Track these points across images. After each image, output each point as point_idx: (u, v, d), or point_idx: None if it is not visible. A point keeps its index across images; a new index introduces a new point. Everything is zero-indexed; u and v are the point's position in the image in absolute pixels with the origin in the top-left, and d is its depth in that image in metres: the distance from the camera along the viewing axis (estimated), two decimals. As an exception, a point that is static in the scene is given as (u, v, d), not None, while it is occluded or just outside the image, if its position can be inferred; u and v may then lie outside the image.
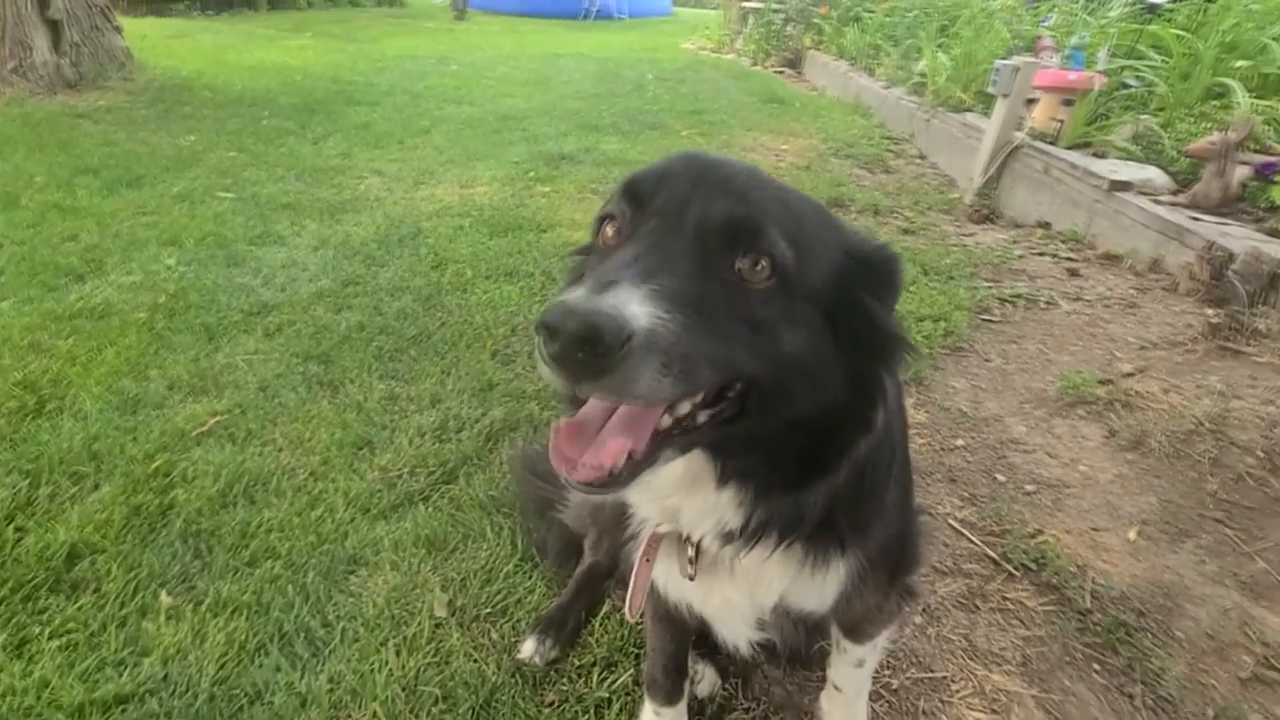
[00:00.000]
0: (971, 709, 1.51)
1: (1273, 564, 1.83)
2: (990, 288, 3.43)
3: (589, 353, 0.66)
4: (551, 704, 1.47)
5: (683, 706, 1.40)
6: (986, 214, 4.58)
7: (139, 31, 8.57)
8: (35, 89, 6.04)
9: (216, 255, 3.39)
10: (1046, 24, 5.93)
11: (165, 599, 1.66)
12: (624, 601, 1.66)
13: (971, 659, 1.62)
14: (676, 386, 0.72)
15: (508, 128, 6.13)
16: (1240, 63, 4.24)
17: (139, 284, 3.06)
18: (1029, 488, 2.14)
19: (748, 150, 5.79)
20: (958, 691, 1.55)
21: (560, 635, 1.58)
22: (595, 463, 0.76)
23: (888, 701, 1.53)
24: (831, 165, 5.50)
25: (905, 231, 4.23)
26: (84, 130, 5.21)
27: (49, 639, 1.54)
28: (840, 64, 8.93)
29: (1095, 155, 4.25)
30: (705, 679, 1.51)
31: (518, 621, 1.65)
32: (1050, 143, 4.49)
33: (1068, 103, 4.51)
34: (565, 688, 1.51)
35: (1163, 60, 4.61)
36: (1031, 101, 4.67)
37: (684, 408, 0.81)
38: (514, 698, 1.47)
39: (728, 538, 0.95)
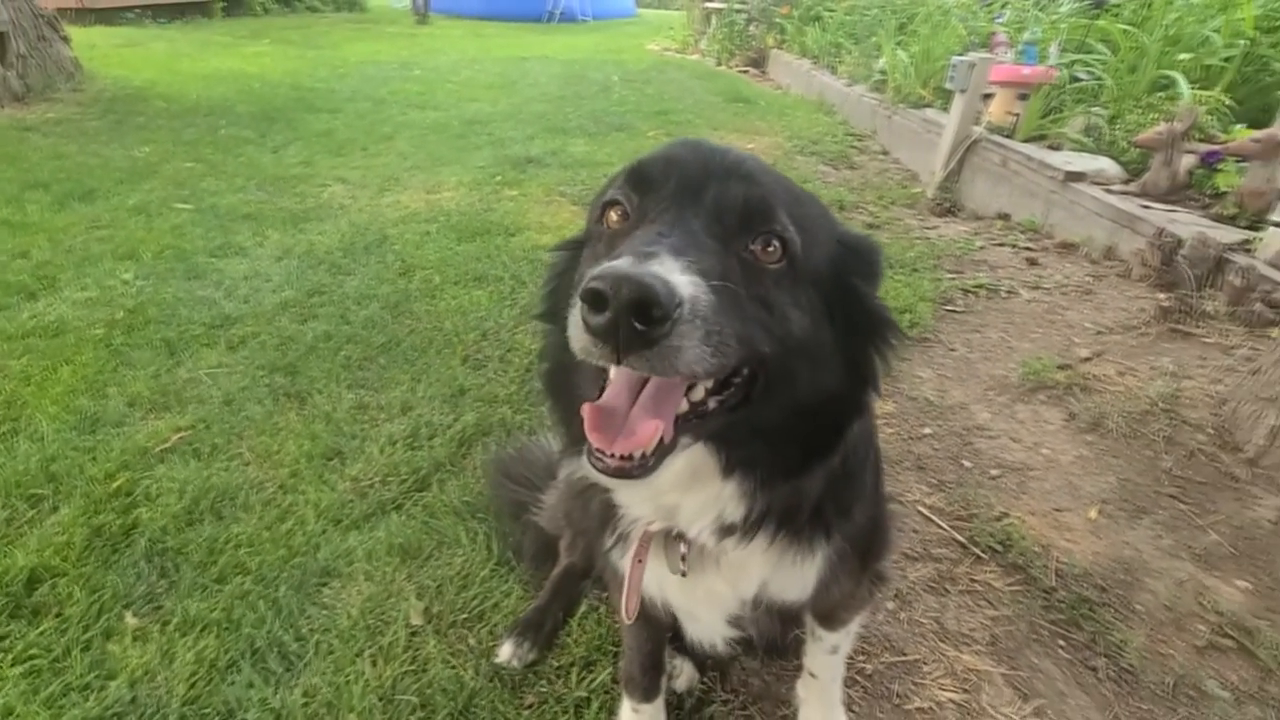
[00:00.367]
0: (943, 689, 1.55)
1: (1224, 536, 1.90)
2: (953, 279, 3.51)
3: (642, 320, 0.65)
4: (531, 706, 1.47)
5: (661, 702, 1.41)
6: (948, 207, 4.68)
7: (88, 41, 8.33)
8: (-20, 102, 5.84)
9: (176, 268, 3.32)
10: (1000, 20, 6.08)
11: (131, 620, 1.62)
12: (602, 601, 1.68)
13: (942, 641, 1.66)
14: (715, 359, 0.71)
15: (473, 132, 6.10)
16: (1183, 55, 4.39)
17: (95, 300, 2.98)
18: (994, 472, 2.20)
19: (714, 149, 5.82)
20: (930, 673, 1.58)
21: (538, 637, 1.58)
22: (628, 448, 0.75)
23: (862, 686, 1.56)
24: (797, 162, 5.57)
25: (870, 226, 4.30)
26: (32, 144, 5.05)
27: (11, 665, 1.50)
28: (803, 63, 9.04)
29: (1050, 147, 4.37)
30: (683, 674, 1.52)
31: (495, 626, 1.64)
32: (1007, 136, 4.61)
33: (1023, 97, 4.63)
34: (544, 689, 1.51)
35: (1111, 54, 4.76)
36: (988, 96, 4.78)
37: (698, 393, 0.81)
38: (493, 701, 1.47)
39: (725, 531, 0.95)
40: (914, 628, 1.69)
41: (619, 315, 0.65)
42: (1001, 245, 3.95)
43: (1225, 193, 3.46)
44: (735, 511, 0.92)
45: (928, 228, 4.35)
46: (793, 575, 1.06)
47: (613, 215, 0.88)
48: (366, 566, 1.78)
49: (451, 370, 2.60)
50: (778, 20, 10.41)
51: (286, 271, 3.33)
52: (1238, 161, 3.46)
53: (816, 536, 1.03)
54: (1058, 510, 2.04)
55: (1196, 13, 4.65)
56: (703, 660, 1.56)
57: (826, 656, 1.37)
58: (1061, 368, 2.65)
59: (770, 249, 0.81)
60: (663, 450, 0.77)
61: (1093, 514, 2.01)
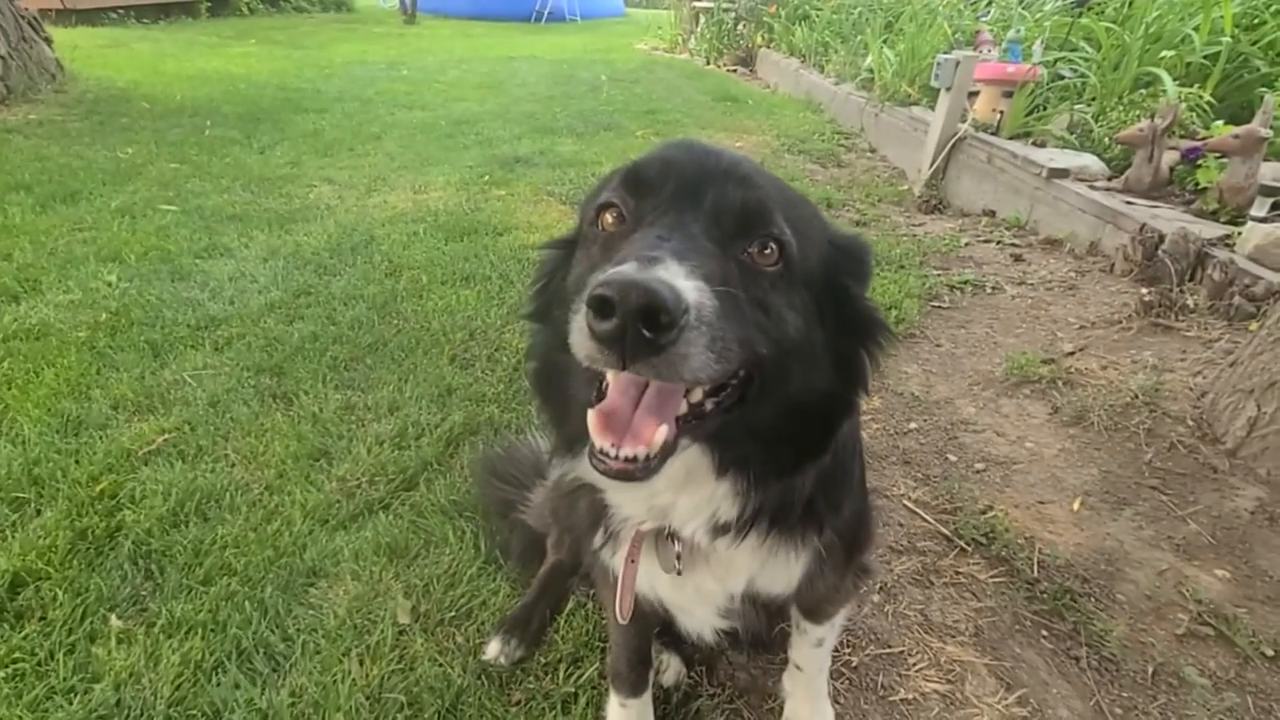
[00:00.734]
0: (928, 680, 1.56)
1: (1204, 526, 1.93)
2: (939, 275, 3.53)
3: (649, 327, 0.64)
4: (518, 703, 1.48)
5: (648, 697, 1.42)
6: (935, 204, 4.71)
7: (70, 42, 8.25)
8: (-40, 104, 5.78)
9: (160, 270, 3.29)
10: (985, 19, 6.13)
11: (115, 623, 1.61)
12: (589, 598, 1.69)
13: (927, 632, 1.67)
14: (719, 365, 0.71)
15: (461, 132, 6.08)
16: (1165, 53, 4.44)
17: (78, 302, 2.96)
18: (979, 466, 2.22)
19: (702, 148, 5.83)
20: (914, 664, 1.60)
21: (525, 634, 1.58)
22: (635, 449, 0.75)
23: (848, 678, 1.57)
24: (785, 161, 5.59)
25: (858, 224, 4.33)
26: (14, 145, 5.00)
27: (-8, 670, 1.48)
28: (791, 61, 9.07)
29: (1035, 144, 4.41)
30: (670, 668, 1.53)
31: (483, 623, 1.64)
32: (992, 133, 4.64)
33: (1007, 94, 4.67)
34: (532, 685, 1.51)
35: (1094, 52, 4.80)
36: (973, 94, 4.82)
37: (696, 394, 0.81)
38: (480, 699, 1.47)
39: (719, 530, 0.95)
40: (899, 620, 1.71)
41: (626, 322, 0.64)
42: (987, 242, 3.98)
43: (1206, 188, 3.50)
44: (729, 511, 0.93)
45: (914, 225, 4.37)
46: (780, 570, 1.07)
47: (608, 218, 0.87)
48: (354, 566, 1.78)
49: (439, 370, 2.60)
50: (766, 19, 10.44)
51: (273, 272, 3.32)
52: (1218, 157, 3.50)
53: (808, 532, 1.04)
54: (1041, 503, 2.06)
55: (1178, 10, 4.70)
56: (690, 654, 1.57)
57: (812, 649, 1.38)
58: (1046, 362, 2.68)
59: (767, 252, 0.82)
60: (665, 451, 0.77)
61: (1075, 506, 2.04)
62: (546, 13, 17.30)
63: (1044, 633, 1.67)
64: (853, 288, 0.92)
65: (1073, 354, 2.74)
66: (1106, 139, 4.19)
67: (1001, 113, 4.69)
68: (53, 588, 1.67)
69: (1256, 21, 4.58)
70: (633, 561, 1.05)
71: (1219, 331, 2.66)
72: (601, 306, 0.65)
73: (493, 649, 1.55)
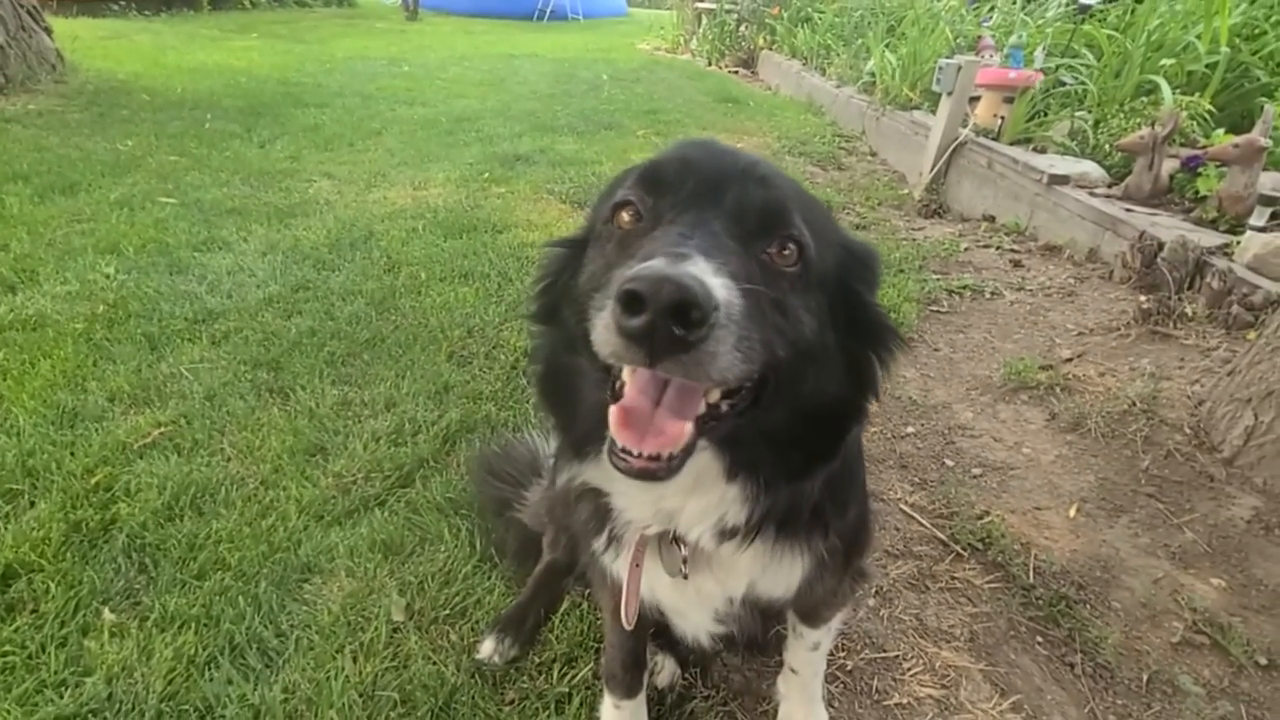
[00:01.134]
0: (922, 685, 1.56)
1: (1200, 534, 1.93)
2: (939, 279, 3.53)
3: (680, 323, 0.63)
4: (512, 702, 1.47)
5: (642, 698, 1.41)
6: (935, 208, 4.72)
7: (71, 32, 8.21)
8: (-41, 93, 5.75)
9: (158, 262, 3.28)
10: (987, 24, 6.13)
11: (108, 616, 1.60)
12: (584, 598, 1.68)
13: (922, 637, 1.67)
14: (743, 366, 0.70)
15: (462, 129, 6.07)
16: (1166, 61, 4.45)
17: (75, 294, 2.94)
18: (976, 471, 2.22)
19: (703, 149, 5.83)
20: (909, 669, 1.59)
21: (520, 633, 1.58)
22: (658, 447, 0.74)
23: (843, 682, 1.57)
24: (786, 163, 5.59)
25: (858, 227, 4.33)
26: (13, 135, 4.98)
27: (-17, 663, 1.47)
28: (793, 64, 9.08)
29: (1035, 150, 4.42)
30: (665, 669, 1.53)
31: (477, 622, 1.64)
32: (993, 139, 4.65)
33: (1008, 100, 4.67)
34: (525, 685, 1.51)
35: (1095, 59, 4.81)
36: (974, 99, 4.82)
37: (713, 396, 0.80)
38: (474, 698, 1.46)
39: (727, 534, 0.94)
40: (894, 624, 1.71)
41: (657, 318, 0.63)
42: (986, 247, 3.99)
43: (1205, 197, 3.51)
44: (738, 515, 0.92)
45: (914, 229, 4.38)
46: (782, 573, 1.06)
47: (624, 216, 0.86)
48: (348, 563, 1.77)
49: (436, 366, 2.59)
50: (768, 21, 10.45)
51: (271, 267, 3.31)
52: (1218, 166, 3.51)
53: (813, 536, 1.03)
54: (1038, 509, 2.06)
55: (1179, 19, 4.72)
56: (684, 656, 1.56)
57: (808, 653, 1.37)
58: (1044, 368, 2.68)
59: (786, 253, 0.81)
60: (686, 451, 0.76)
61: (1072, 513, 2.04)
62: (549, 11, 17.29)
63: (1039, 639, 1.67)
64: (864, 293, 0.92)
65: (1071, 360, 2.74)
66: (1107, 146, 4.21)
67: (1002, 118, 4.70)
68: (46, 580, 1.66)
69: (1257, 32, 4.60)
70: (637, 565, 1.04)
71: (1217, 340, 2.66)
72: (631, 302, 0.64)
73: (487, 648, 1.54)
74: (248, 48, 9.57)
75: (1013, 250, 3.91)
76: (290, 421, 2.27)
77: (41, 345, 2.56)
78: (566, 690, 1.49)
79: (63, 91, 6.28)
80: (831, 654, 1.58)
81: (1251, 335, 2.62)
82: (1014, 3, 6.61)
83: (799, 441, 0.89)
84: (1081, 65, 4.83)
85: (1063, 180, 3.94)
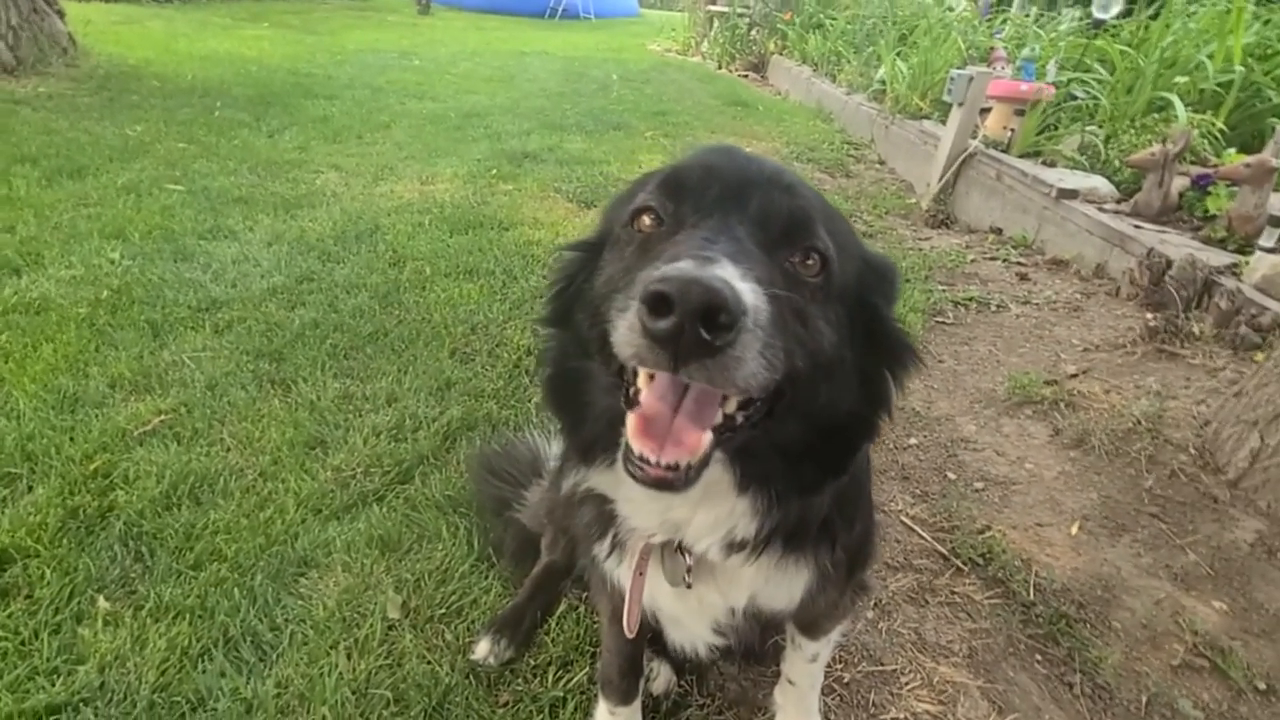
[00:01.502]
0: (920, 700, 1.55)
1: (1203, 556, 1.92)
2: (944, 290, 3.52)
3: (708, 327, 0.62)
4: (506, 704, 1.46)
5: (637, 705, 1.40)
6: (942, 219, 4.70)
7: (83, 16, 8.21)
8: (-31, 73, 5.75)
9: (164, 249, 3.27)
10: (1000, 36, 6.13)
11: (103, 604, 1.59)
12: (581, 601, 1.67)
13: (920, 652, 1.66)
14: (767, 374, 0.68)
15: (470, 125, 6.07)
16: (1179, 78, 4.44)
17: (80, 278, 2.94)
18: (978, 485, 2.21)
19: (712, 152, 5.82)
20: (907, 684, 1.58)
21: (515, 635, 1.56)
22: (677, 456, 0.73)
23: (839, 695, 1.56)
24: (793, 169, 5.56)
25: (864, 235, 4.31)
26: (22, 118, 4.98)
27: (-25, 648, 1.46)
28: (803, 69, 9.07)
29: (1045, 164, 4.40)
30: (661, 676, 1.52)
31: (473, 622, 1.63)
32: (1003, 151, 4.64)
33: (1019, 112, 4.66)
34: (520, 688, 1.50)
35: (1108, 74, 4.80)
36: (985, 110, 4.81)
37: (730, 405, 0.79)
38: (468, 699, 1.45)
39: (733, 547, 0.93)
40: (893, 638, 1.69)
41: (685, 320, 0.61)
42: (993, 259, 3.98)
43: (1215, 216, 3.50)
44: (747, 528, 0.91)
45: (921, 239, 4.37)
46: (785, 586, 1.05)
47: (645, 220, 0.84)
48: (345, 558, 1.76)
49: (439, 363, 2.58)
50: (780, 26, 10.44)
51: (276, 257, 3.30)
52: (1229, 186, 3.50)
53: (820, 549, 1.02)
54: (1039, 525, 2.05)
55: (1193, 37, 4.70)
56: (680, 663, 1.55)
57: (806, 665, 1.36)
58: (1048, 383, 2.67)
59: (810, 263, 0.80)
60: (704, 461, 0.75)
61: (1074, 530, 2.02)
62: (561, 9, 17.29)
63: (1038, 657, 1.66)
64: (883, 307, 0.91)
65: (1076, 376, 2.73)
66: (1117, 161, 4.19)
67: (1013, 130, 4.68)
68: (41, 566, 1.65)
69: (1270, 52, 4.59)
70: (641, 574, 1.03)
71: (1224, 360, 2.65)
72: (658, 303, 0.62)
73: (482, 649, 1.53)
74: (259, 37, 9.57)
75: (1019, 263, 3.90)
76: (291, 413, 2.26)
77: (44, 329, 2.55)
78: (561, 694, 1.48)
79: (74, 75, 6.28)
80: (829, 666, 1.57)
81: (1259, 357, 2.61)
82: (1027, 15, 6.60)
83: (811, 455, 0.88)
84: (1094, 80, 4.82)
85: (1071, 195, 3.93)
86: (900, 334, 0.91)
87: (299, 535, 1.82)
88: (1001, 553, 1.91)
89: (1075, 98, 4.79)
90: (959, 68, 4.88)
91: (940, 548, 1.95)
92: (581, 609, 1.68)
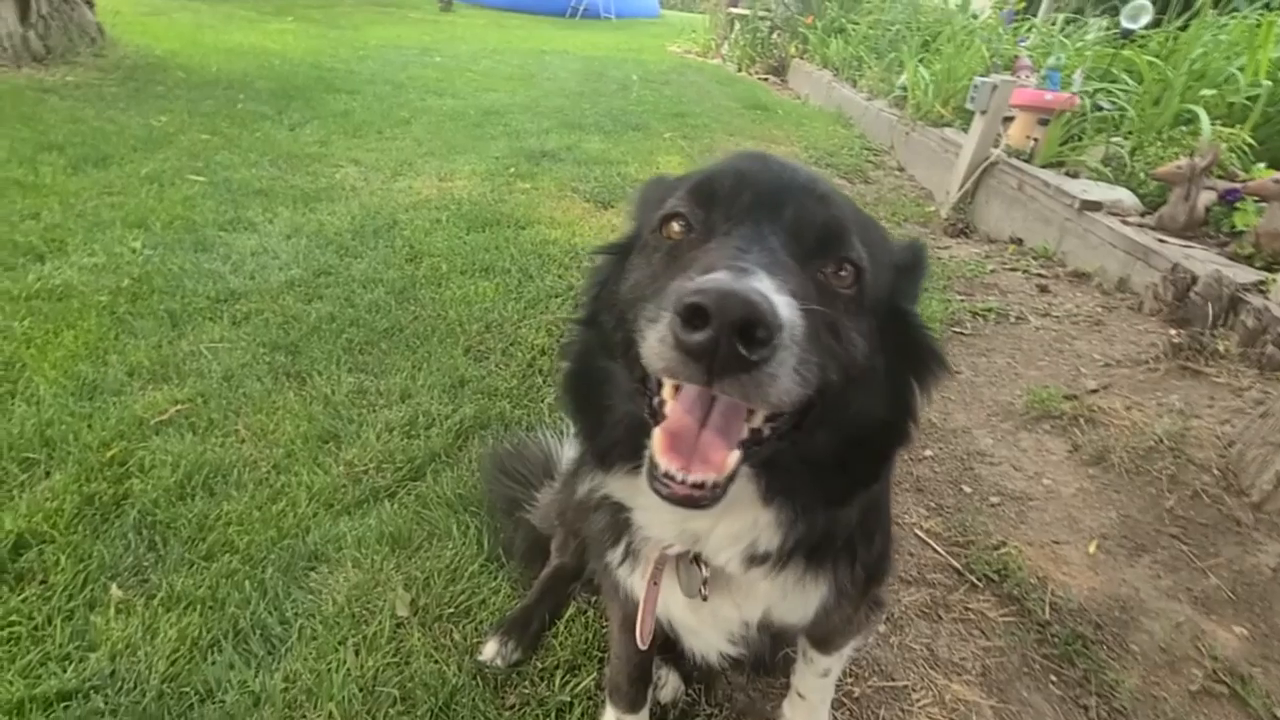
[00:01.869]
0: (931, 718, 1.52)
1: (1225, 580, 1.88)
2: (963, 301, 3.48)
3: (745, 342, 0.60)
4: (512, 707, 1.45)
5: (645, 713, 1.39)
6: (961, 228, 4.66)
7: (112, 7, 8.31)
8: (0, 61, 5.83)
9: (184, 239, 3.30)
10: (1025, 44, 6.06)
11: (116, 592, 1.60)
12: (590, 605, 1.66)
13: (932, 668, 1.64)
14: (800, 389, 0.67)
15: (490, 122, 6.08)
16: (1208, 91, 4.36)
17: (102, 266, 2.97)
18: (994, 499, 2.18)
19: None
20: (918, 700, 1.56)
21: (523, 637, 1.56)
22: (705, 474, 0.71)
23: (849, 710, 1.54)
24: (812, 174, 5.54)
25: (882, 242, 4.27)
26: (50, 106, 5.04)
27: (-11, 632, 1.48)
28: (824, 74, 9.02)
29: (1068, 174, 4.34)
30: (669, 684, 1.50)
31: (481, 622, 1.62)
32: (1025, 160, 4.58)
33: (1043, 122, 4.60)
34: (527, 690, 1.49)
35: (1135, 85, 4.73)
36: (1008, 119, 4.76)
37: (757, 419, 0.77)
38: (474, 700, 1.45)
39: (755, 560, 0.91)
40: (905, 653, 1.67)
41: (721, 334, 0.60)
42: (1013, 270, 3.93)
43: (1242, 232, 3.43)
44: (770, 541, 0.89)
45: (940, 247, 4.32)
46: (799, 600, 1.03)
47: (674, 227, 0.83)
48: (355, 553, 1.77)
49: (453, 360, 2.59)
50: (801, 30, 10.39)
51: (295, 250, 3.32)
52: (1257, 201, 3.43)
53: (840, 564, 1.00)
54: (1056, 542, 2.02)
55: (1223, 50, 4.63)
56: (689, 671, 1.54)
57: (817, 679, 1.35)
58: (1068, 398, 2.63)
59: (843, 274, 0.79)
60: (731, 478, 0.73)
61: (1092, 549, 1.99)
62: (582, 9, 17.31)
63: (1053, 678, 1.63)
64: (912, 316, 0.90)
65: (1096, 392, 2.68)
66: (1142, 174, 4.12)
67: (1036, 140, 4.63)
68: (56, 552, 1.67)
69: (1304, 66, 4.50)
70: (655, 583, 1.01)
71: (1249, 380, 2.59)
72: (693, 315, 0.61)
73: (490, 650, 1.53)
74: (283, 31, 9.65)
75: (1040, 275, 3.84)
76: (305, 407, 2.27)
77: (66, 316, 2.58)
78: (568, 699, 1.47)
79: (101, 65, 6.36)
80: (840, 680, 1.55)
81: (1285, 377, 2.55)
82: (1053, 24, 6.53)
83: (840, 466, 0.86)
84: (1120, 90, 4.75)
85: (1095, 206, 3.87)
86: (930, 341, 0.90)
87: (310, 529, 1.82)
88: (1017, 570, 1.88)
89: (1101, 108, 4.73)
90: (983, 75, 4.83)
91: (955, 563, 1.93)
92: (590, 613, 1.67)
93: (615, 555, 1.06)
